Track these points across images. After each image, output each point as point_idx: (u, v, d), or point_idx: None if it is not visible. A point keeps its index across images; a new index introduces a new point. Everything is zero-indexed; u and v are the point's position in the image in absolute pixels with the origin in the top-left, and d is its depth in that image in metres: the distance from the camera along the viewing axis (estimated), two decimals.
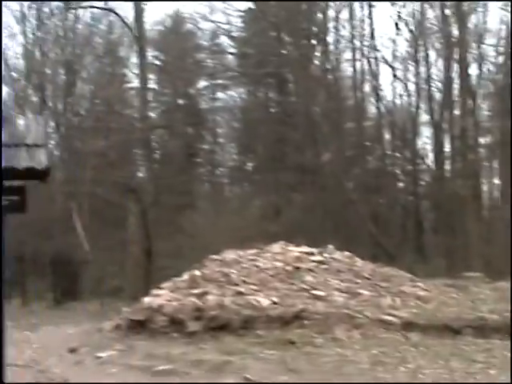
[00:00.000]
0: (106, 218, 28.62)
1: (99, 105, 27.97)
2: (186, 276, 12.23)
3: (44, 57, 25.58)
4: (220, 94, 29.47)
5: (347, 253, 13.14)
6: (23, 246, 22.29)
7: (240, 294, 10.61)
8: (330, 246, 13.36)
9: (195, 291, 10.99)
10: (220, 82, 29.27)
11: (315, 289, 10.79)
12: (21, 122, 4.71)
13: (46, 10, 24.89)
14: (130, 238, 22.39)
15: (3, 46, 4.74)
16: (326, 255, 12.67)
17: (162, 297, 11.16)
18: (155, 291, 11.85)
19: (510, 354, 7.47)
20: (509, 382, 6.31)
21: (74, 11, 25.35)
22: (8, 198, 4.51)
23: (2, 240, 3.85)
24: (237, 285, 11.08)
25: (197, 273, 12.08)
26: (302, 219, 21.70)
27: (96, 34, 26.68)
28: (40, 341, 12.26)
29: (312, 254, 12.66)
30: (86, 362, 9.50)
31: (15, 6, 25.33)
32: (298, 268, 11.77)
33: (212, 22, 26.28)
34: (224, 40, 27.62)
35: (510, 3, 14.88)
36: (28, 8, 25.00)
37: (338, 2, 24.05)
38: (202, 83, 29.58)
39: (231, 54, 28.12)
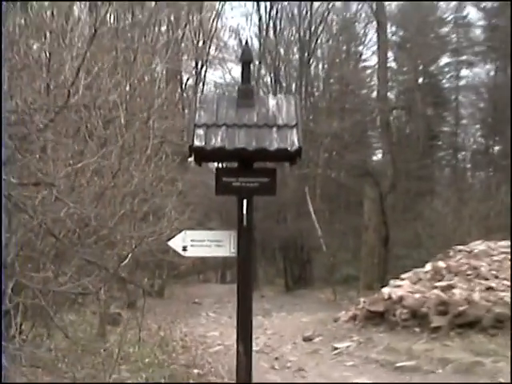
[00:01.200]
0: (339, 203, 29.57)
1: (334, 85, 28.62)
2: (428, 267, 11.99)
3: (278, 36, 26.96)
4: (464, 72, 27.82)
5: None
6: (254, 230, 24.11)
7: (491, 289, 10.03)
8: None
9: (439, 284, 10.69)
10: (465, 58, 27.65)
11: None
12: (271, 101, 4.99)
13: None
14: (365, 224, 22.51)
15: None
16: None
17: (402, 288, 11.01)
18: (395, 282, 11.76)
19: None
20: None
21: None
22: (258, 180, 4.83)
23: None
24: (487, 279, 10.54)
25: (441, 264, 11.76)
26: None
27: (331, 11, 27.16)
28: (274, 327, 13.02)
29: None
30: (322, 352, 9.79)
31: None
32: None
33: None
34: (471, 12, 25.81)
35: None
36: None
37: None
38: (445, 60, 28.33)
39: (479, 26, 26.30)
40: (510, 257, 11.29)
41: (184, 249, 4.98)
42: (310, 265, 26.36)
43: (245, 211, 4.76)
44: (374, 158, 30.24)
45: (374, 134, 30.01)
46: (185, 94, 23.33)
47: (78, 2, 8.52)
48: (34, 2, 6.33)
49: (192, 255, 5.09)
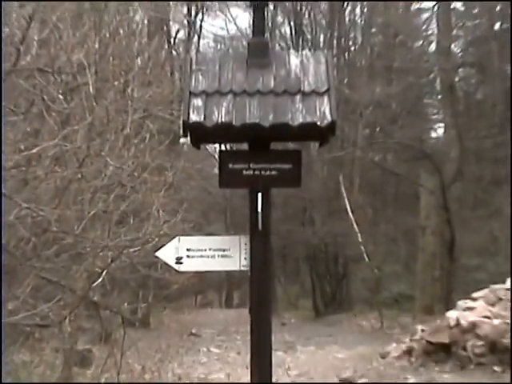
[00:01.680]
0: (386, 197, 29.57)
1: (377, 35, 28.50)
2: (509, 282, 11.97)
3: None
4: None
5: None
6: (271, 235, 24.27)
7: None
8: None
9: None
10: None
11: None
12: (294, 60, 4.96)
13: None
14: (422, 224, 22.47)
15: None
16: None
17: (475, 311, 11.00)
18: (464, 303, 11.75)
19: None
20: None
21: None
22: (277, 167, 4.82)
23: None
24: None
25: None
26: None
27: None
28: (299, 366, 13.00)
29: None
30: None
31: None
32: None
33: None
34: None
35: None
36: None
37: None
38: None
39: None
40: None
41: (178, 261, 4.99)
42: (346, 281, 26.42)
43: (259, 209, 4.75)
44: (433, 134, 30.17)
45: (432, 101, 29.88)
46: (175, 52, 23.37)
47: None
48: None
49: (188, 270, 5.08)
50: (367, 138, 27.29)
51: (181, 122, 4.71)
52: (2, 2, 4.90)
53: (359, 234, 22.22)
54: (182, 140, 16.20)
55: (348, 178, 24.92)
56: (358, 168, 25.95)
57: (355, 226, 22.28)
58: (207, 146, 23.66)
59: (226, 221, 30.41)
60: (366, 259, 22.23)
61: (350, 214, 22.57)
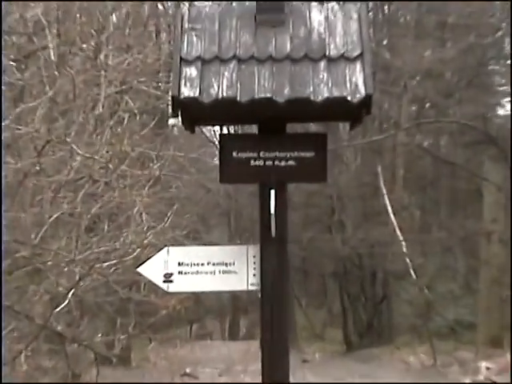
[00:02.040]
0: (438, 194, 29.47)
1: None
2: None
3: None
4: None
5: None
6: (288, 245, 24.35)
7: None
8: None
9: None
10: None
11: None
12: (316, 15, 4.96)
13: None
14: (486, 229, 22.38)
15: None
16: None
17: None
18: None
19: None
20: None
21: None
22: (295, 156, 4.84)
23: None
24: None
25: None
26: None
27: None
28: None
29: None
30: None
31: None
32: None
33: None
34: None
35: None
36: None
37: None
38: None
39: None
40: None
41: (166, 279, 5.02)
42: (387, 304, 26.42)
43: (272, 211, 4.76)
44: (501, 111, 30.03)
45: (499, 68, 29.77)
46: (161, 6, 23.35)
47: None
48: None
49: (180, 290, 5.12)
50: (414, 118, 27.21)
51: (170, 99, 4.73)
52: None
53: (403, 243, 22.22)
54: (171, 121, 16.25)
55: (389, 170, 24.92)
56: (402, 156, 25.92)
57: (398, 232, 22.28)
58: (204, 130, 23.80)
59: (230, 226, 30.45)
60: (413, 275, 22.21)
61: (392, 216, 22.58)
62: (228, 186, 24.44)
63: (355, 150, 25.53)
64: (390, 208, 22.79)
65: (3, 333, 4.52)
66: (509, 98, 28.23)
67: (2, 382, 4.89)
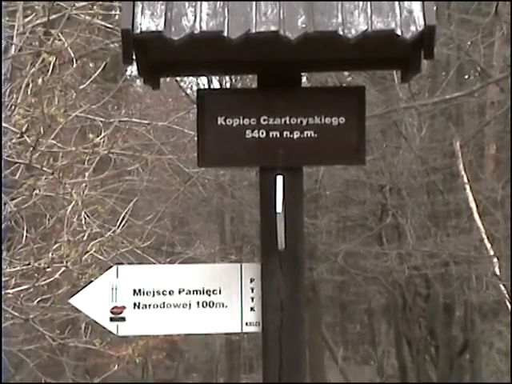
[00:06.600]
0: None
1: None
2: None
3: None
4: None
5: None
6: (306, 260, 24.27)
7: None
8: None
9: None
10: None
11: None
12: None
13: None
14: None
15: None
16: None
17: None
18: None
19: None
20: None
21: None
22: (315, 123, 4.89)
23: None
24: None
25: None
26: None
27: None
28: None
29: None
30: None
31: None
32: None
33: None
34: None
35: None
36: None
37: None
38: None
39: None
40: None
41: (116, 316, 5.06)
42: (471, 357, 26.50)
43: (279, 209, 4.77)
44: None
45: None
46: None
47: None
48: None
49: (137, 333, 5.16)
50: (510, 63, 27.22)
51: (121, 34, 4.75)
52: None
53: (496, 260, 22.20)
54: (126, 71, 16.33)
55: (473, 147, 24.92)
56: (494, 125, 25.91)
57: (488, 243, 22.24)
58: (183, 83, 23.79)
59: (223, 234, 30.35)
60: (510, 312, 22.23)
61: (478, 219, 22.53)
62: (220, 173, 24.47)
63: (420, 115, 25.45)
64: (474, 207, 22.73)
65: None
66: None
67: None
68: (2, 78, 4.60)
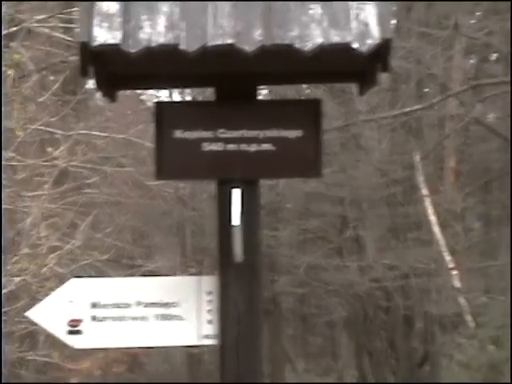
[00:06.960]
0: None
1: None
2: None
3: None
4: None
5: None
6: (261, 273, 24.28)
7: None
8: None
9: None
10: None
11: None
12: None
13: None
14: None
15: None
16: None
17: None
18: None
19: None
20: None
21: None
22: (273, 136, 4.90)
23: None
24: None
25: None
26: None
27: None
28: None
29: None
30: None
31: None
32: None
33: None
34: None
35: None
36: None
37: None
38: None
39: None
40: None
41: (73, 329, 5.05)
42: (431, 369, 26.51)
43: (236, 222, 4.77)
44: None
45: None
46: None
47: None
48: None
49: (94, 346, 5.15)
50: (471, 77, 27.32)
51: (79, 47, 4.74)
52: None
53: (455, 273, 22.28)
54: (88, 85, 16.30)
55: (432, 159, 24.98)
56: (454, 137, 25.99)
57: (446, 255, 22.33)
58: (143, 96, 23.71)
59: (184, 247, 30.32)
60: (470, 324, 22.30)
61: (437, 231, 22.63)
62: (180, 186, 24.38)
63: (380, 128, 25.51)
64: (434, 218, 22.84)
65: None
66: None
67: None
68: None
